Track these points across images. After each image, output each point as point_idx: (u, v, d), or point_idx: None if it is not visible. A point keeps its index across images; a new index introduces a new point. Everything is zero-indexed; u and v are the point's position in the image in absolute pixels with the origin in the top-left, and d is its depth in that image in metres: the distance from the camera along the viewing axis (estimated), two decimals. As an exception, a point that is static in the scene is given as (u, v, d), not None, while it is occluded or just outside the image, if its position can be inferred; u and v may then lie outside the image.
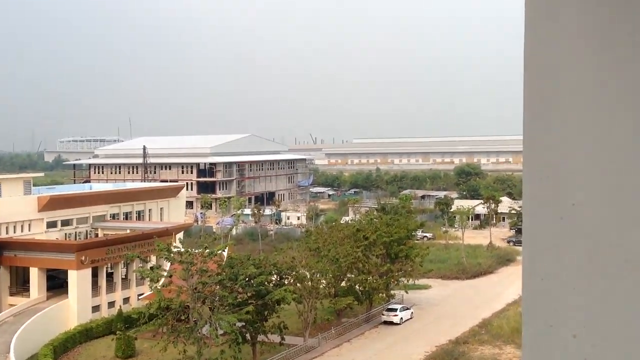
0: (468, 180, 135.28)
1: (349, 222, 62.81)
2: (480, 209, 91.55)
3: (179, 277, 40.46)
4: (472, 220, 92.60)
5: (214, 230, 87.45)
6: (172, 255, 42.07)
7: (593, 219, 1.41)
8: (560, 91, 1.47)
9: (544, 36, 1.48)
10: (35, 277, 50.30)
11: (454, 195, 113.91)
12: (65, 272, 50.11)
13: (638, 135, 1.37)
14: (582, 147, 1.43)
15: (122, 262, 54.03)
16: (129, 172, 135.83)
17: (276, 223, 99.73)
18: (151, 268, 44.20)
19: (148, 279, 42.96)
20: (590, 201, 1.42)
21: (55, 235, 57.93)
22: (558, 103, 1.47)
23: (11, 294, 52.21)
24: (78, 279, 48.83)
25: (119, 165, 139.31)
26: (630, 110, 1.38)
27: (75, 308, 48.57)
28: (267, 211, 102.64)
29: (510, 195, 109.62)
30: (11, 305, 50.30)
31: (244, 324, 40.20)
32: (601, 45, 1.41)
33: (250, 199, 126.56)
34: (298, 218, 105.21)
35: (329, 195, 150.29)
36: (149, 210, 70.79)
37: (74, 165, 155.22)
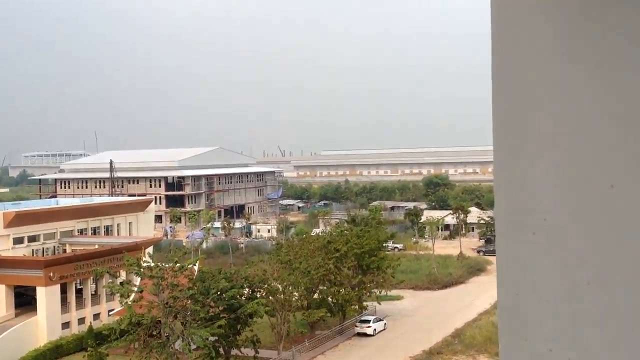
0: (436, 190, 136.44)
1: (320, 234, 62.83)
2: (450, 219, 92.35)
3: (150, 292, 40.02)
4: (441, 230, 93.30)
5: (184, 244, 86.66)
6: (142, 270, 41.65)
7: (565, 234, 1.38)
8: (529, 104, 1.44)
9: (510, 48, 1.47)
10: (3, 294, 49.31)
11: (423, 206, 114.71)
12: (34, 289, 49.22)
13: (610, 150, 1.34)
14: (553, 161, 1.40)
15: (92, 277, 53.29)
16: (96, 187, 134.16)
17: (246, 236, 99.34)
18: (121, 283, 43.63)
19: (118, 294, 42.44)
20: (561, 216, 1.39)
21: (22, 251, 56.88)
22: (527, 117, 1.45)
23: (-23, 312, 51.03)
24: (47, 296, 47.99)
25: (86, 180, 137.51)
26: (601, 122, 1.35)
27: (45, 325, 47.70)
28: (237, 224, 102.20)
29: (478, 205, 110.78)
30: (-23, 323, 49.15)
31: (216, 338, 39.91)
32: (570, 55, 1.38)
33: (219, 212, 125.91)
34: (268, 231, 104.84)
35: (299, 208, 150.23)
36: (117, 224, 69.99)
37: (40, 180, 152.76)
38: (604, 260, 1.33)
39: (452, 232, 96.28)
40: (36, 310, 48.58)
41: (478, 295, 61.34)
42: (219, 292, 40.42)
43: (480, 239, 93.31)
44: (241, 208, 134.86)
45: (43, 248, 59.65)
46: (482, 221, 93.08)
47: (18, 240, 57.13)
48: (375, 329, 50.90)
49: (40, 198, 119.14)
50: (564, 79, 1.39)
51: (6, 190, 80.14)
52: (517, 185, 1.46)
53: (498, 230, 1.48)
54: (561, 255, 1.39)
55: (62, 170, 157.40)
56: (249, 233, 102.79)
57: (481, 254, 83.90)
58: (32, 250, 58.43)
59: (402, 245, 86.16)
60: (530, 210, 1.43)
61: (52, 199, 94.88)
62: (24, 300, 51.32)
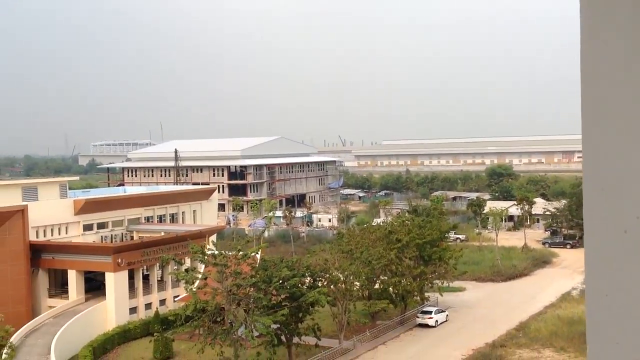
0: (500, 181, 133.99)
1: (381, 224, 62.57)
2: (514, 210, 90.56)
3: (214, 279, 40.67)
4: (505, 221, 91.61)
5: (246, 232, 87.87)
6: (206, 257, 42.33)
7: None
8: (620, 99, 1.40)
9: (600, 39, 1.42)
10: (74, 279, 51.06)
11: (486, 196, 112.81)
12: (103, 274, 50.78)
13: None
14: None
15: (158, 264, 54.57)
16: (161, 175, 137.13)
17: (307, 225, 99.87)
18: (186, 270, 44.50)
19: (183, 281, 43.26)
20: None
21: (91, 238, 58.73)
22: (618, 111, 1.41)
23: (50, 296, 53.07)
24: (115, 281, 49.43)
25: (152, 169, 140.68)
26: None
27: (113, 310, 49.19)
28: (298, 213, 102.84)
29: (544, 196, 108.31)
30: (50, 307, 51.12)
31: (279, 326, 40.30)
32: None
33: (281, 201, 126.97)
34: (329, 220, 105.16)
35: (360, 197, 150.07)
36: (182, 212, 71.37)
37: (108, 168, 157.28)
38: None
39: (516, 223, 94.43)
40: (105, 295, 50.11)
41: (543, 288, 60.06)
42: (281, 281, 40.75)
43: (545, 230, 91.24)
44: (302, 197, 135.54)
45: (111, 235, 61.44)
46: (547, 212, 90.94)
47: (88, 227, 58.98)
48: (437, 321, 50.46)
49: (109, 186, 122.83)
50: None
51: (76, 178, 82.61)
52: (608, 182, 1.41)
53: (587, 228, 1.45)
54: None
55: (129, 159, 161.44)
56: (309, 222, 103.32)
57: (546, 245, 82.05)
58: (101, 236, 60.23)
59: (464, 236, 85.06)
60: (622, 208, 1.39)
61: (120, 187, 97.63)
62: (94, 285, 53.03)
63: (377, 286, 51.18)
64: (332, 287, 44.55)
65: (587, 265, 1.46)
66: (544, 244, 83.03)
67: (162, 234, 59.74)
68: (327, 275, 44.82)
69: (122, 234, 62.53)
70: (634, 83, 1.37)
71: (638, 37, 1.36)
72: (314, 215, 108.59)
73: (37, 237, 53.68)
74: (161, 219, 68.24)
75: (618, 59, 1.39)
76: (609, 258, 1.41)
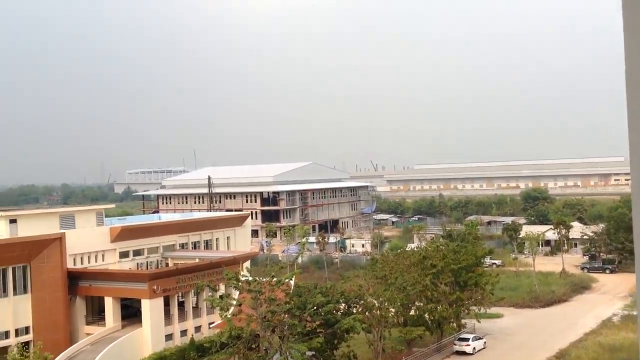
0: (535, 205, 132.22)
1: (415, 249, 62.03)
2: (550, 234, 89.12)
3: (248, 306, 40.62)
4: (542, 246, 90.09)
5: (280, 258, 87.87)
6: (240, 284, 42.35)
7: None
8: None
9: None
10: (110, 306, 51.48)
11: (522, 220, 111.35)
12: (139, 301, 51.11)
13: None
14: None
15: (193, 291, 54.74)
16: (195, 202, 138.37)
17: (341, 251, 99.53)
18: (221, 297, 44.51)
19: (218, 307, 43.25)
20: None
21: (127, 265, 59.27)
22: None
23: (87, 323, 53.51)
24: (151, 308, 49.69)
25: (186, 196, 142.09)
26: None
27: (149, 336, 49.39)
28: (332, 239, 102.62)
29: (581, 220, 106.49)
30: (88, 334, 51.53)
31: (314, 353, 40.02)
32: None
33: (314, 227, 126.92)
34: (362, 245, 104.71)
35: (393, 222, 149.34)
36: (216, 239, 71.70)
37: (143, 196, 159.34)
38: None
39: (553, 248, 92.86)
40: (141, 322, 50.37)
41: (583, 314, 58.75)
42: (315, 307, 40.56)
43: (583, 255, 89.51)
44: (335, 223, 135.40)
45: (147, 262, 61.93)
46: (585, 237, 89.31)
47: (124, 254, 59.57)
48: (474, 348, 49.61)
49: (144, 213, 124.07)
50: None
51: (112, 206, 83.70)
52: None
53: (638, 249, 1.43)
54: None
55: (163, 187, 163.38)
56: (343, 248, 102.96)
57: (585, 270, 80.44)
58: (137, 263, 60.74)
59: (500, 261, 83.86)
60: None
61: (155, 214, 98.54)
62: (130, 312, 53.35)
63: (412, 312, 50.59)
64: (366, 313, 44.19)
65: (638, 288, 1.45)
66: (582, 269, 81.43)
67: (197, 260, 60.01)
68: (362, 302, 44.49)
69: (157, 260, 63.00)
70: None
71: None
72: (347, 241, 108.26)
73: (74, 264, 54.35)
74: (195, 246, 68.61)
75: None
76: None
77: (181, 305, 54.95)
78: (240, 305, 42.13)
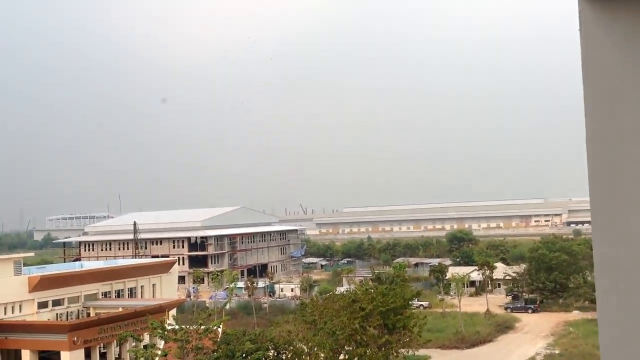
0: (461, 246, 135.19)
1: (344, 292, 62.11)
2: (475, 275, 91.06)
3: (174, 356, 39.70)
4: (467, 287, 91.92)
5: (207, 305, 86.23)
6: (166, 333, 41.37)
7: None
8: (631, 157, 1.39)
9: (606, 96, 1.40)
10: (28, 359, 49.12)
11: (448, 262, 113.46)
12: (58, 354, 48.96)
13: None
14: None
15: (115, 341, 52.90)
16: (119, 249, 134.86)
17: (270, 295, 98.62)
18: (145, 347, 43.35)
19: (142, 358, 42.02)
20: None
21: (46, 315, 56.84)
22: (628, 171, 1.40)
23: (1, 378, 50.82)
24: (71, 361, 47.68)
25: (110, 242, 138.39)
26: None
27: (68, 391, 47.22)
28: (261, 283, 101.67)
29: (504, 260, 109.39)
30: (1, 390, 48.91)
31: (242, 402, 39.22)
32: None
33: (242, 272, 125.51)
34: (292, 290, 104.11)
35: (322, 266, 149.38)
36: (141, 287, 69.82)
37: (64, 243, 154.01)
38: None
39: (478, 288, 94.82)
40: (60, 375, 48.18)
41: (508, 354, 59.93)
42: (244, 355, 39.94)
43: (507, 295, 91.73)
44: (264, 267, 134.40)
45: (67, 312, 59.58)
46: (507, 277, 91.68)
47: (42, 305, 57.15)
48: (403, 391, 49.61)
49: (65, 261, 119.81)
50: None
51: (31, 254, 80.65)
52: (615, 232, 1.39)
53: (599, 286, 1.43)
54: None
55: (85, 233, 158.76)
56: (272, 292, 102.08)
57: (508, 310, 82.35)
58: (57, 314, 58.37)
59: (427, 302, 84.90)
60: (633, 257, 1.38)
61: (76, 262, 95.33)
62: (48, 365, 51.02)
63: (341, 357, 50.33)
64: (296, 359, 43.73)
65: (602, 332, 1.43)
66: (506, 308, 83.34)
67: (120, 309, 58.21)
68: (291, 348, 44.06)
69: (78, 310, 60.69)
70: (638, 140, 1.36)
71: None
72: (276, 285, 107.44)
73: (-11, 316, 51.77)
74: (119, 294, 66.60)
75: (627, 119, 1.38)
76: (624, 326, 1.38)
77: (103, 356, 52.94)
78: (165, 355, 41.08)
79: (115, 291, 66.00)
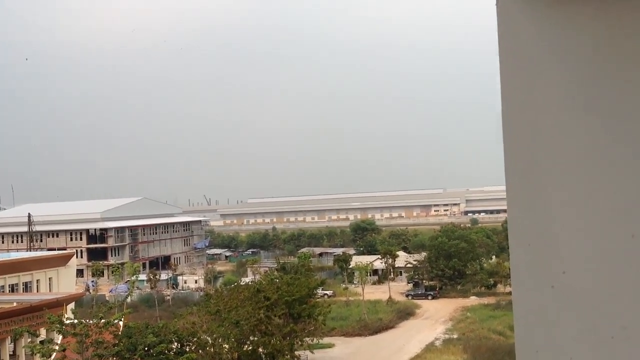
0: (364, 236, 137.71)
1: (249, 283, 62.05)
2: (378, 264, 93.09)
3: (73, 351, 38.46)
4: (370, 275, 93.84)
5: (107, 298, 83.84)
6: (64, 327, 39.97)
7: (585, 287, 1.34)
8: (544, 155, 1.42)
9: (522, 99, 1.44)
10: None
11: (352, 251, 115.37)
12: (-55, 353, 46.33)
13: (630, 199, 1.30)
14: (571, 212, 1.37)
15: (10, 337, 50.56)
16: (13, 242, 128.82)
17: (173, 288, 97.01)
18: (41, 342, 41.76)
19: (39, 354, 40.45)
20: (581, 269, 1.35)
21: None
22: (542, 168, 1.43)
23: None
24: (-41, 360, 45.21)
25: (2, 235, 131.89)
26: (619, 172, 1.31)
27: (-44, 392, 44.80)
28: (163, 276, 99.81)
29: (405, 249, 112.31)
30: None
31: (144, 396, 38.48)
32: (586, 104, 1.34)
33: (144, 264, 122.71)
34: (196, 281, 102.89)
35: (227, 257, 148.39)
36: (37, 280, 67.11)
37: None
38: (629, 312, 1.28)
39: (381, 276, 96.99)
40: (-52, 375, 45.67)
41: (408, 340, 61.70)
42: (146, 348, 39.16)
43: (408, 282, 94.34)
44: (167, 259, 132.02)
45: (-44, 308, 56.41)
46: (409, 265, 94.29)
47: None
48: (307, 379, 50.20)
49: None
50: (579, 128, 1.35)
51: None
52: (533, 238, 1.41)
53: (515, 283, 1.43)
54: (583, 309, 1.34)
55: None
56: (175, 285, 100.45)
57: (410, 297, 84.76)
58: (-56, 311, 55.12)
59: (331, 291, 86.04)
60: (549, 263, 1.39)
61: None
62: None
63: (246, 347, 50.31)
64: (200, 351, 43.35)
65: (517, 320, 1.46)
66: (407, 296, 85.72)
67: (14, 304, 55.68)
68: (195, 339, 43.61)
69: (-32, 306, 57.59)
70: (556, 135, 1.38)
71: (560, 88, 1.38)
72: (180, 277, 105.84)
73: None
74: (13, 289, 63.75)
75: (541, 114, 1.40)
76: (538, 313, 1.41)
77: (-4, 354, 50.54)
78: (64, 350, 39.67)
79: (9, 285, 63.20)
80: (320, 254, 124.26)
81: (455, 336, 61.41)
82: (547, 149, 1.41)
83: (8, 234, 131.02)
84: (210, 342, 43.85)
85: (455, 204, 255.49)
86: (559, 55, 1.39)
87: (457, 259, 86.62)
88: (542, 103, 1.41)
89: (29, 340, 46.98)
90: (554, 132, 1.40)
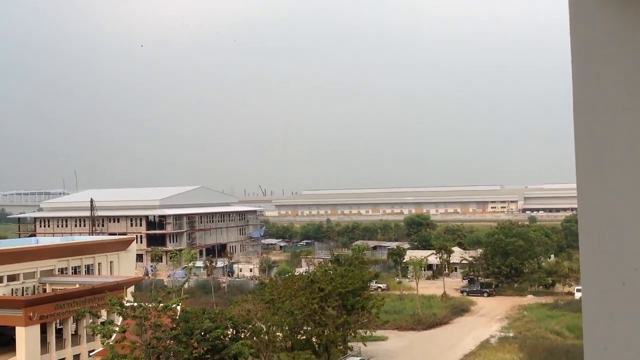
0: (418, 230, 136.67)
1: (303, 273, 62.44)
2: (433, 259, 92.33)
3: (132, 333, 39.38)
4: (424, 270, 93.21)
5: (165, 283, 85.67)
6: (124, 310, 41.00)
7: None
8: (615, 150, 1.41)
9: (594, 96, 1.42)
10: (-19, 335, 48.23)
11: (406, 245, 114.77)
12: (13, 329, 48.20)
13: None
14: None
15: (72, 317, 52.29)
16: (76, 226, 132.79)
17: (229, 275, 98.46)
18: (102, 323, 42.93)
19: (99, 335, 41.63)
20: None
21: (1, 291, 55.79)
22: (614, 163, 1.41)
23: (-47, 354, 49.79)
24: (26, 336, 46.97)
25: (66, 219, 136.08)
26: None
27: (23, 367, 46.58)
28: (219, 263, 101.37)
29: (460, 245, 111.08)
30: (-47, 365, 47.95)
31: (200, 379, 39.22)
32: None
33: (201, 251, 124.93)
34: (251, 270, 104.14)
35: (281, 247, 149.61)
36: (99, 264, 69.00)
37: (19, 219, 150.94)
38: None
39: (435, 272, 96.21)
40: (15, 350, 47.47)
41: (463, 336, 61.05)
42: (203, 333, 39.86)
43: (463, 279, 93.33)
44: (223, 247, 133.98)
45: (23, 287, 58.60)
46: (464, 261, 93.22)
47: (-3, 280, 56.10)
48: (360, 370, 50.28)
49: (20, 237, 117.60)
50: None
51: (-16, 228, 79.17)
52: (604, 234, 1.40)
53: (585, 280, 1.42)
54: None
55: (41, 209, 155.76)
56: (231, 272, 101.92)
57: (464, 294, 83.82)
58: (12, 289, 57.37)
59: (385, 285, 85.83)
60: (620, 259, 1.38)
61: (32, 238, 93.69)
62: (3, 341, 50.20)
63: (300, 337, 50.70)
64: (254, 338, 43.87)
65: (585, 316, 1.45)
66: (462, 292, 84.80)
67: (77, 286, 57.50)
68: (250, 327, 44.17)
69: (34, 286, 59.75)
70: (628, 131, 1.37)
71: (636, 84, 1.36)
72: (235, 266, 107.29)
73: (-60, 290, 50.56)
74: (76, 271, 65.74)
75: (613, 110, 1.39)
76: (607, 310, 1.39)
77: (59, 332, 52.32)
78: (124, 332, 40.72)
79: (72, 268, 65.13)
80: (374, 247, 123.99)
81: (511, 334, 60.47)
82: (618, 144, 1.39)
83: (71, 218, 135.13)
84: (264, 329, 44.32)
85: (512, 201, 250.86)
86: (632, 50, 1.38)
87: (514, 257, 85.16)
88: (615, 99, 1.38)
89: (91, 321, 48.43)
90: (626, 128, 1.38)
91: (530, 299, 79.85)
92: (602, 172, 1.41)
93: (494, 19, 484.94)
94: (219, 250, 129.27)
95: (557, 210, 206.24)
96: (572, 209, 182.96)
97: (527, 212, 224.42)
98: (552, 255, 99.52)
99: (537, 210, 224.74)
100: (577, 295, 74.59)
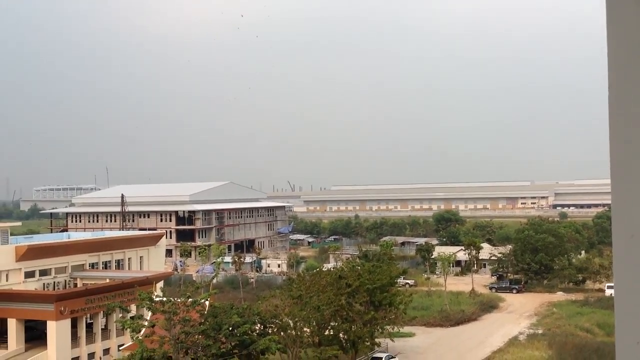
0: (447, 226, 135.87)
1: (331, 269, 62.44)
2: (461, 255, 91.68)
3: (161, 327, 39.75)
4: (453, 266, 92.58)
5: (194, 278, 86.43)
6: (154, 304, 41.41)
7: None
8: None
9: (631, 89, 1.41)
10: (14, 328, 49.05)
11: (434, 241, 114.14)
12: (44, 323, 49.01)
13: None
14: None
15: (102, 312, 53.02)
16: (106, 221, 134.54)
17: (257, 271, 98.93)
18: (132, 318, 43.39)
19: (129, 329, 42.14)
20: None
21: (33, 285, 56.78)
22: None
23: (-12, 346, 50.79)
24: (57, 330, 47.73)
25: (97, 214, 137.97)
26: None
27: (55, 359, 47.38)
28: (248, 259, 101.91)
29: (490, 241, 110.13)
30: (-13, 358, 48.94)
31: (228, 374, 39.48)
32: None
33: (229, 247, 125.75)
34: (279, 265, 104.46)
35: (309, 243, 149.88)
36: (129, 259, 69.84)
37: (51, 214, 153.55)
38: None
39: (464, 268, 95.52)
40: (46, 344, 48.28)
41: (491, 333, 60.57)
42: (230, 328, 40.10)
43: (492, 275, 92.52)
44: (251, 242, 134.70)
45: (54, 282, 59.55)
46: (493, 257, 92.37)
47: (29, 274, 57.06)
48: (387, 367, 50.17)
49: (52, 232, 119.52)
50: None
51: (18, 223, 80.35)
52: (638, 229, 1.40)
53: (617, 274, 1.41)
54: None
55: (72, 204, 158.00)
56: (259, 268, 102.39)
57: (493, 290, 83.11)
58: (44, 284, 58.32)
59: (413, 281, 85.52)
60: None
61: (64, 233, 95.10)
62: (35, 334, 51.04)
63: (327, 332, 50.73)
64: (282, 333, 44.03)
65: (618, 311, 1.42)
66: (490, 288, 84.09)
67: (107, 280, 58.24)
68: (277, 322, 44.33)
69: (65, 281, 60.68)
70: None
71: None
72: (263, 261, 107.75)
73: (-25, 284, 51.64)
74: (106, 266, 66.63)
75: None
76: None
77: (89, 326, 53.08)
78: (153, 326, 41.14)
79: (103, 262, 66.01)
80: (402, 243, 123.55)
81: (540, 331, 59.81)
82: None
83: (102, 213, 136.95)
84: (292, 325, 44.46)
85: (543, 197, 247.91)
86: None
87: (544, 253, 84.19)
88: None
89: (120, 315, 49.06)
90: None
91: (559, 296, 78.89)
92: (637, 168, 1.40)
93: (538, 9, 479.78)
94: (248, 246, 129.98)
95: (589, 206, 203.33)
96: (603, 205, 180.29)
97: (557, 208, 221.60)
98: (583, 252, 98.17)
99: (568, 206, 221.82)
100: (608, 292, 73.46)
